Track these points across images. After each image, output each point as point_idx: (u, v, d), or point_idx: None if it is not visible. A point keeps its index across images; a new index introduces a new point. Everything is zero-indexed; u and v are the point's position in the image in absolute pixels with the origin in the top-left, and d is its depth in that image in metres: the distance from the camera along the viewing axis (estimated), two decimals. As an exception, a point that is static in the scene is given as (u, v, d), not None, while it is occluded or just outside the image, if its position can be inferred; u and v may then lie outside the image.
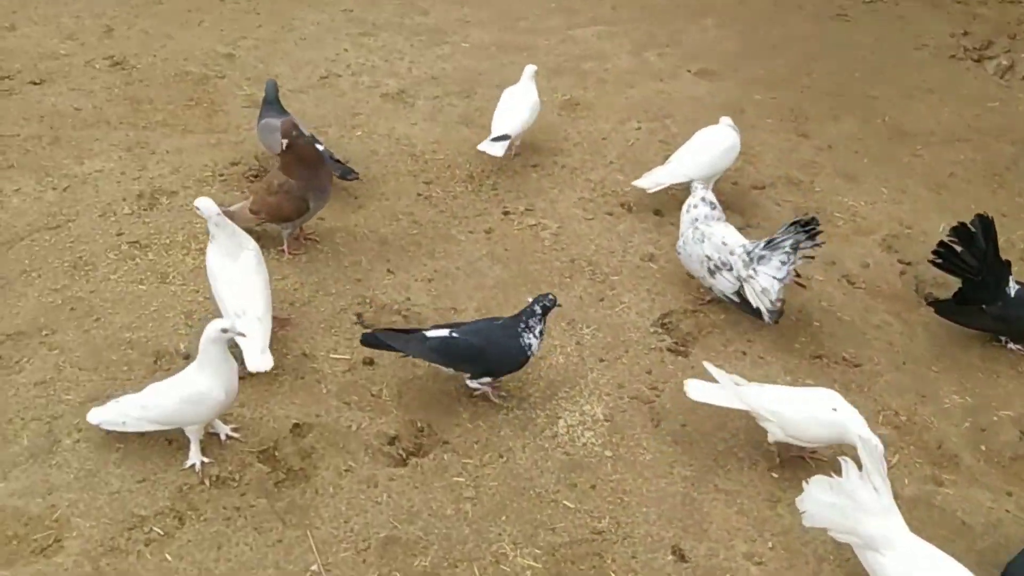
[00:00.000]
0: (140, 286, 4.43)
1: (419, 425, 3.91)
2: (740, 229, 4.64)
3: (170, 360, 4.07)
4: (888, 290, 4.83)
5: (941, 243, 4.52)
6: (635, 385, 4.17)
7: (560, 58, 6.46)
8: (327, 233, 4.85)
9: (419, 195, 5.18)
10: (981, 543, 3.63)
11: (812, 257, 4.42)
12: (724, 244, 4.41)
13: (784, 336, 4.49)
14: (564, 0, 7.18)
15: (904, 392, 4.26)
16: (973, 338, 4.55)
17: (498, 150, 5.14)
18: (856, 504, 3.26)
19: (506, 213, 5.04)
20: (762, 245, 4.32)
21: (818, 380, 4.22)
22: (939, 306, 4.54)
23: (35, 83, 5.84)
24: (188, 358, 4.08)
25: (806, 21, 7.20)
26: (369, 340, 3.91)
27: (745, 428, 3.99)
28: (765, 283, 4.29)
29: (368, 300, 4.48)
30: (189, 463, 3.61)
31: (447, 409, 3.99)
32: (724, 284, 4.42)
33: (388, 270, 4.67)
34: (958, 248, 4.46)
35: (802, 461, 3.87)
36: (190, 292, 4.42)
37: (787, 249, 4.24)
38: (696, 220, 4.53)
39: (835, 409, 3.61)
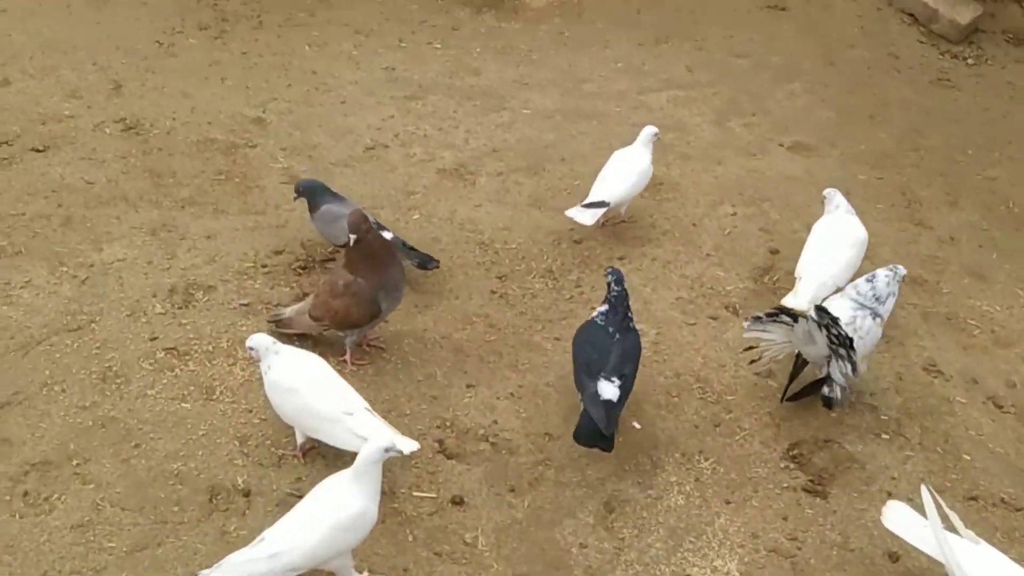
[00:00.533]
0: (183, 404, 4.28)
1: (525, 583, 3.75)
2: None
3: (228, 498, 3.92)
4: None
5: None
6: (771, 535, 4.03)
7: (636, 129, 6.33)
8: (393, 339, 4.71)
9: (493, 292, 5.07)
10: None
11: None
12: None
13: (933, 472, 4.36)
14: (632, 59, 7.13)
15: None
16: None
17: (588, 218, 5.14)
18: None
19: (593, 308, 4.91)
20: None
21: (975, 526, 4.08)
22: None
23: (38, 150, 5.72)
24: (249, 495, 3.92)
25: (905, 87, 7.18)
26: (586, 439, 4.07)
27: (906, 589, 3.85)
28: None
29: (449, 423, 4.34)
30: None
31: (557, 561, 3.84)
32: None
33: (467, 384, 4.54)
34: None
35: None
36: (242, 412, 4.27)
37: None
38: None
39: None
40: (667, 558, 3.90)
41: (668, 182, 5.95)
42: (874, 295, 4.49)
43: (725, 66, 7.16)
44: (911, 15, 7.82)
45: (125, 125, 5.99)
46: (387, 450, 3.44)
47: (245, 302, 4.83)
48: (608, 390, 4.09)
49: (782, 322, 4.33)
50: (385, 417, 4.24)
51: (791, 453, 4.39)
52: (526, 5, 7.56)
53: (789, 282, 5.07)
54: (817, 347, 4.37)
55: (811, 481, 4.27)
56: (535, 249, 5.35)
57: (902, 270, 4.62)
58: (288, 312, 4.60)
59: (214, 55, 6.74)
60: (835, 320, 4.22)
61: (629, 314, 4.33)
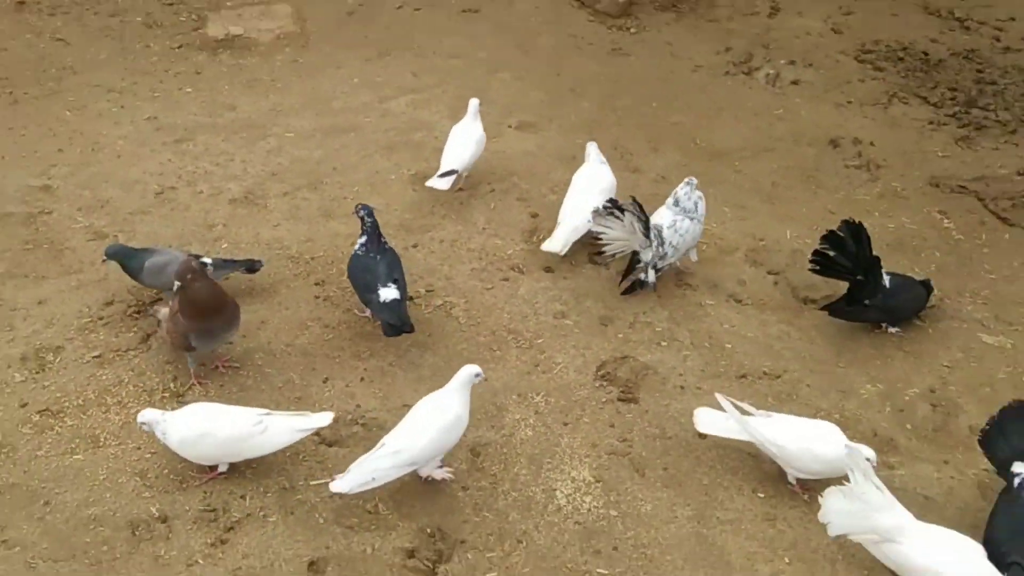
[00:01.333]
0: (75, 456, 4.16)
1: (429, 531, 3.94)
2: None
3: (148, 528, 3.87)
4: (771, 302, 5.32)
5: (816, 251, 5.05)
6: (606, 441, 4.39)
7: (389, 134, 6.55)
8: (245, 356, 4.72)
9: (316, 298, 5.14)
10: (947, 512, 4.14)
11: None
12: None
13: (709, 363, 4.85)
14: (364, 74, 7.25)
15: (827, 393, 4.74)
16: (857, 329, 5.12)
17: (444, 184, 5.68)
18: (869, 505, 3.64)
19: (411, 298, 5.08)
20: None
21: (751, 399, 4.60)
22: (831, 308, 5.07)
23: None
24: (166, 520, 3.88)
25: (590, 61, 7.68)
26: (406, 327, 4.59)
27: (720, 457, 4.31)
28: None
29: (319, 417, 4.41)
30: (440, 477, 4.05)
31: (448, 507, 4.04)
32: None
33: (323, 380, 4.62)
34: (831, 254, 5.00)
35: (777, 475, 4.23)
36: (132, 451, 4.19)
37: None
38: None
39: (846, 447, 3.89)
40: (534, 480, 4.18)
41: (431, 174, 6.15)
42: (682, 206, 5.17)
43: (444, 68, 7.40)
44: (578, 0, 8.32)
45: (-86, 218, 5.57)
46: (476, 375, 4.04)
47: (96, 354, 4.68)
48: (388, 293, 4.63)
49: (614, 215, 4.98)
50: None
51: (600, 373, 4.76)
52: (255, 41, 7.50)
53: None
54: (638, 237, 4.99)
55: (622, 392, 4.66)
56: (339, 253, 5.44)
57: (694, 180, 5.25)
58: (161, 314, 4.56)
59: (-19, 135, 6.33)
60: (640, 207, 4.96)
61: (382, 239, 4.84)
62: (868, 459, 3.73)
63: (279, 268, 5.32)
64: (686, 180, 5.27)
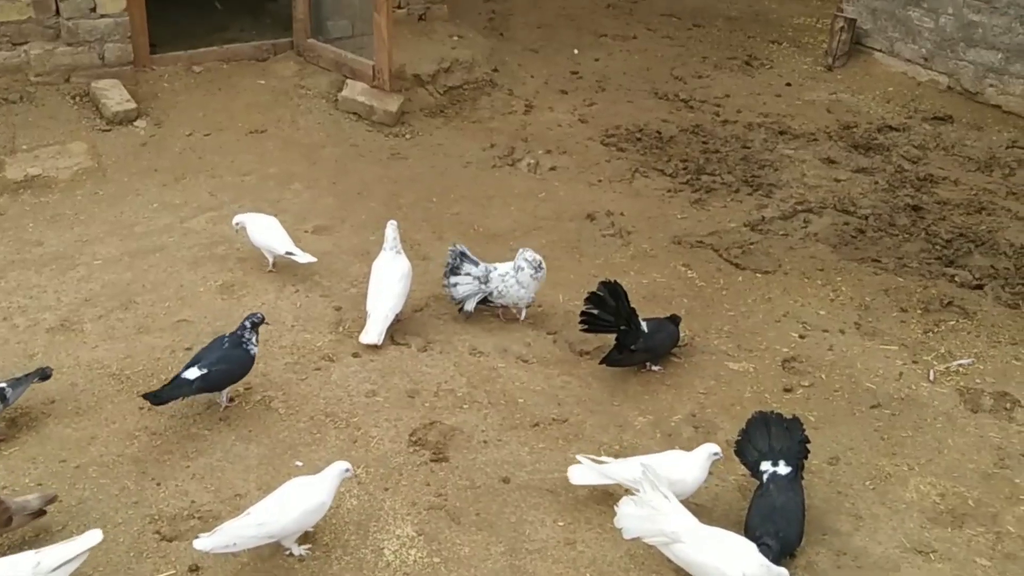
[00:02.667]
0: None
1: (272, 602, 4.09)
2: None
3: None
4: (553, 358, 5.80)
5: (583, 312, 5.56)
6: (425, 498, 4.68)
7: (193, 250, 6.70)
8: (78, 474, 4.74)
9: (141, 408, 5.21)
10: (715, 513, 4.65)
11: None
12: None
13: (506, 417, 5.24)
14: (163, 198, 7.36)
15: (607, 428, 5.22)
16: (627, 371, 5.65)
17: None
18: (657, 511, 4.09)
19: (231, 399, 5.24)
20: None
21: (544, 443, 5.02)
22: (605, 360, 5.57)
23: None
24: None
25: (373, 166, 8.08)
26: (159, 400, 4.87)
27: (523, 496, 4.68)
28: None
29: (157, 516, 4.53)
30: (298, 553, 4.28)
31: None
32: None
33: (156, 483, 4.71)
34: (595, 312, 5.52)
35: (572, 505, 4.63)
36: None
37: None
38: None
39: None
40: (363, 543, 4.42)
41: (237, 283, 6.34)
42: (516, 265, 5.91)
43: (238, 184, 7.62)
44: (355, 114, 8.74)
45: None
46: (346, 470, 4.35)
47: (-71, 491, 4.59)
48: (192, 373, 4.95)
49: (457, 272, 5.90)
50: (106, 534, 4.32)
51: (413, 440, 5.06)
52: (54, 179, 7.49)
53: (359, 323, 5.75)
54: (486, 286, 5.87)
55: (433, 453, 4.97)
56: (158, 365, 5.54)
57: (532, 258, 5.89)
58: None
59: None
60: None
61: (245, 336, 5.14)
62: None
63: (102, 387, 5.36)
64: (526, 255, 5.88)
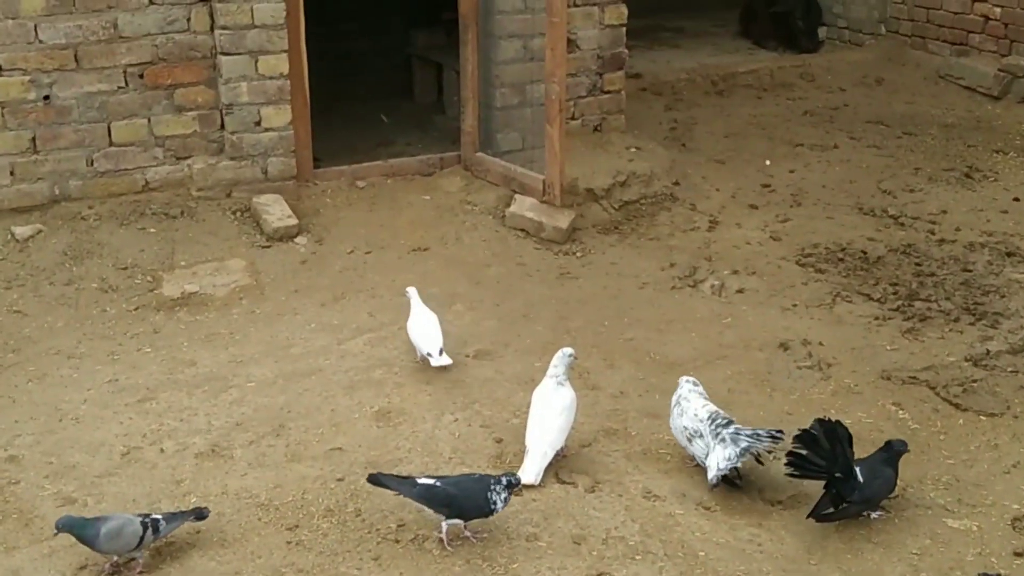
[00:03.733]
0: None
1: None
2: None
3: None
4: (739, 506, 5.72)
5: (791, 452, 5.47)
6: None
7: (349, 373, 7.00)
8: (221, 609, 4.95)
9: (288, 543, 5.42)
10: None
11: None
12: (696, 415, 5.69)
13: (684, 572, 5.18)
14: (321, 319, 7.76)
15: (802, 590, 5.05)
16: (827, 525, 5.48)
17: (447, 360, 6.82)
18: None
19: (386, 538, 5.40)
20: (728, 429, 5.59)
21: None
22: (818, 517, 5.44)
23: None
24: None
25: (539, 286, 8.29)
26: (373, 480, 5.36)
27: None
28: (713, 462, 5.53)
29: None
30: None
31: None
32: (698, 450, 5.70)
33: (304, 627, 4.86)
34: (805, 453, 5.43)
35: None
36: None
37: (744, 444, 5.53)
38: (679, 397, 5.80)
39: None
40: None
41: (394, 409, 6.58)
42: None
43: (397, 306, 7.92)
44: (523, 230, 9.04)
45: None
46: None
47: (78, 620, 4.90)
48: (423, 479, 5.41)
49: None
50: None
51: None
52: (211, 297, 8.03)
53: (521, 457, 5.90)
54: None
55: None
56: (309, 496, 5.77)
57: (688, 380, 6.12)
58: None
59: (-61, 410, 6.69)
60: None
61: (498, 488, 5.32)
62: None
63: (249, 517, 5.62)
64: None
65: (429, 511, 5.34)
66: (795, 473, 5.48)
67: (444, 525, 5.31)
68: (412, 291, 7.19)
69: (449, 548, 5.30)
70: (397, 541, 5.43)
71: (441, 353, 6.81)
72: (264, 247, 8.64)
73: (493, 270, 8.54)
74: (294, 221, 8.82)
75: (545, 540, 5.40)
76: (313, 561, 5.29)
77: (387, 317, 7.82)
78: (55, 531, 5.19)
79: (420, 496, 5.28)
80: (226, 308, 7.94)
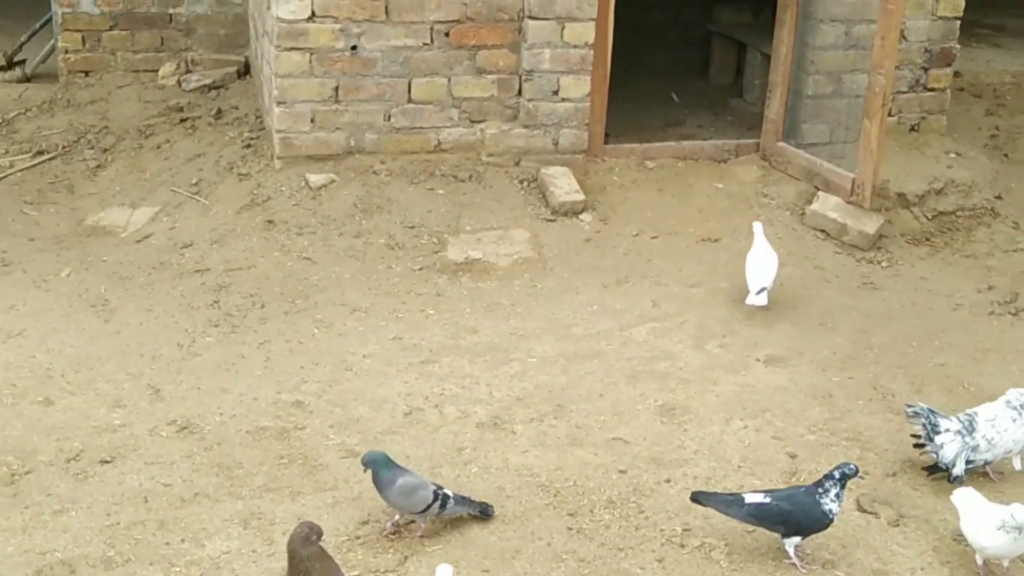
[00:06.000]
0: None
1: None
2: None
3: None
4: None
5: None
6: None
7: (632, 362, 7.03)
8: (502, 586, 5.08)
9: (569, 529, 5.51)
10: None
11: None
12: None
13: None
14: (603, 301, 7.83)
15: None
16: None
17: (763, 300, 7.40)
18: None
19: (670, 540, 5.39)
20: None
21: None
22: None
23: (106, 461, 5.97)
24: None
25: (839, 293, 8.06)
26: (696, 498, 5.32)
27: None
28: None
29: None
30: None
31: None
32: None
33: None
34: None
35: None
36: None
37: None
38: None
39: None
40: None
41: (679, 406, 6.56)
42: (1013, 404, 5.90)
43: (684, 296, 7.93)
44: (823, 231, 8.80)
45: (178, 427, 6.30)
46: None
47: (355, 574, 5.15)
48: (752, 497, 5.29)
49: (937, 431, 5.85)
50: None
51: None
52: (494, 266, 8.24)
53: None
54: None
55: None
56: (591, 484, 5.84)
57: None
58: None
59: (235, 349, 7.15)
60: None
61: (827, 485, 5.22)
62: None
63: (530, 496, 5.75)
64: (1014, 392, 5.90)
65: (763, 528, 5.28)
66: None
67: (791, 548, 5.18)
68: (758, 226, 7.75)
69: (803, 569, 5.21)
70: (682, 546, 5.42)
71: (759, 293, 7.37)
72: (549, 220, 8.77)
73: (788, 270, 8.34)
74: (581, 197, 8.90)
75: (843, 570, 5.26)
76: (595, 552, 5.35)
77: (672, 308, 7.80)
78: (363, 467, 5.41)
79: (750, 516, 5.17)
80: (508, 279, 8.12)
